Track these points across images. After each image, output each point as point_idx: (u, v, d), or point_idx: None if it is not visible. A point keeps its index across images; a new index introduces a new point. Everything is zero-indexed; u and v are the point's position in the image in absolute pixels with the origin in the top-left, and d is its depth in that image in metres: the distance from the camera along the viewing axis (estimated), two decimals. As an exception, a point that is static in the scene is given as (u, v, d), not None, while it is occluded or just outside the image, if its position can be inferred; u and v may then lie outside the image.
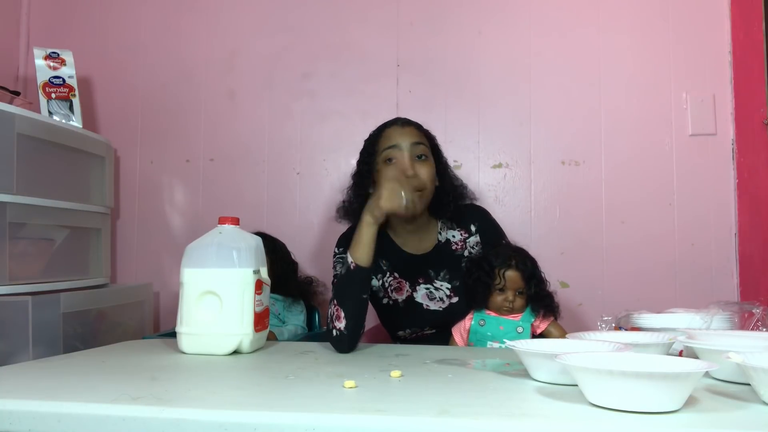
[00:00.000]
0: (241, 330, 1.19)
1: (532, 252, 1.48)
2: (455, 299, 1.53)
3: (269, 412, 0.73)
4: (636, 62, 2.07)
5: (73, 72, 1.99)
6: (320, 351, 1.26)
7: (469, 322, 1.44)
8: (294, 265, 1.96)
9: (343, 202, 1.57)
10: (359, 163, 1.55)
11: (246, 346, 1.20)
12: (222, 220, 1.27)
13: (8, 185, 1.59)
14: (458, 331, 1.45)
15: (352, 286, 1.31)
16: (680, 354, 1.10)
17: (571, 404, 0.77)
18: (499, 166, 2.09)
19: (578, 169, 2.06)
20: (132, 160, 2.23)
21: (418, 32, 2.15)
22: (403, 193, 1.29)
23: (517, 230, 1.69)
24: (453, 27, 2.14)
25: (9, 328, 1.51)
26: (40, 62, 1.95)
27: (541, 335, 1.42)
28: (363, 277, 1.31)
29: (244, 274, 1.20)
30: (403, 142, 1.46)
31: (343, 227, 1.61)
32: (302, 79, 2.19)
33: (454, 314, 1.49)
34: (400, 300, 1.54)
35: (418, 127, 1.53)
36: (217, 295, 1.20)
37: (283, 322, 1.84)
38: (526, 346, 0.96)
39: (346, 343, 1.28)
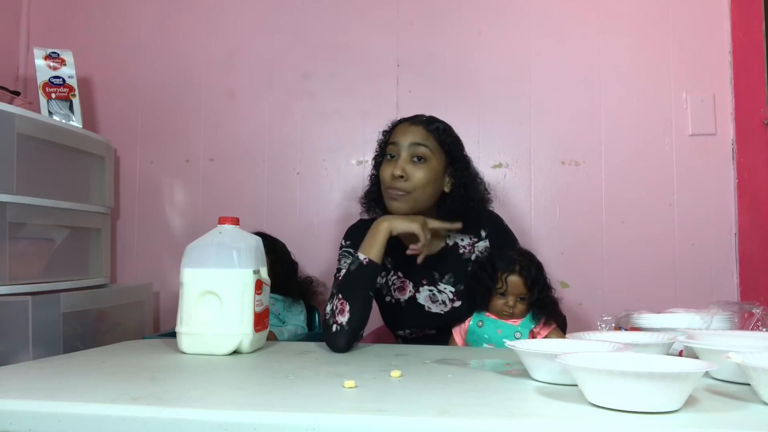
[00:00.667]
0: (241, 330, 1.19)
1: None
2: (458, 303, 1.51)
3: (269, 412, 0.73)
4: (636, 62, 2.07)
5: (73, 72, 1.99)
6: (320, 351, 1.26)
7: (468, 321, 1.43)
8: (294, 265, 1.96)
9: (366, 191, 1.58)
10: (376, 152, 1.56)
11: (246, 346, 1.20)
12: (222, 220, 1.27)
13: (8, 185, 1.59)
14: (458, 331, 1.45)
15: (361, 280, 1.32)
16: (680, 354, 1.10)
17: (571, 404, 0.77)
18: (499, 166, 2.09)
19: (578, 169, 2.06)
20: (132, 160, 2.23)
21: (418, 32, 2.15)
22: (422, 233, 1.37)
23: (517, 230, 1.69)
24: (453, 27, 2.14)
25: (9, 328, 1.51)
26: (40, 62, 1.95)
27: None
28: (373, 274, 1.33)
29: (244, 274, 1.20)
30: (404, 141, 1.44)
31: (351, 221, 1.61)
32: (302, 79, 2.19)
33: (455, 318, 1.47)
34: (402, 300, 1.53)
35: (427, 128, 1.46)
36: (217, 295, 1.20)
37: (283, 322, 1.84)
38: (526, 346, 0.96)
39: (344, 339, 1.26)
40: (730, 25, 2.02)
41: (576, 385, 0.79)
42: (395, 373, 0.95)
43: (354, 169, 2.14)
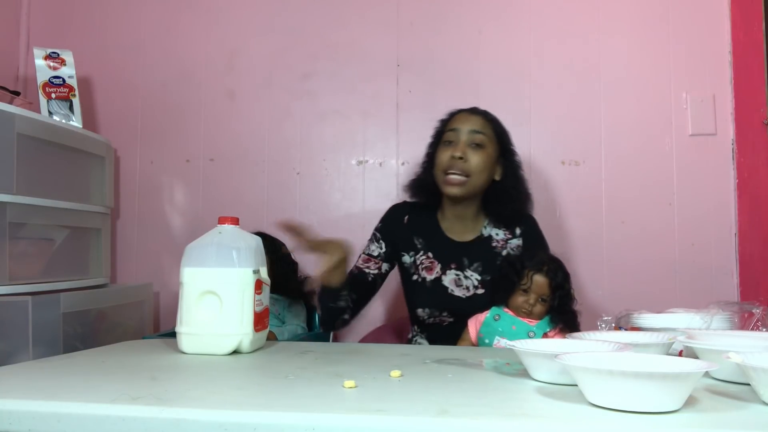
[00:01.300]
0: (241, 330, 1.19)
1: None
2: (481, 291, 1.57)
3: (269, 412, 0.73)
4: (636, 62, 2.07)
5: (73, 72, 1.99)
6: (320, 351, 1.26)
7: (485, 313, 1.44)
8: (294, 265, 1.96)
9: (417, 175, 1.67)
10: (431, 139, 1.66)
11: (246, 346, 1.20)
12: (222, 220, 1.27)
13: (8, 185, 1.59)
14: (473, 322, 1.46)
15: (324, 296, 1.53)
16: (680, 354, 1.10)
17: (571, 404, 0.77)
18: (499, 166, 2.09)
19: (578, 169, 2.06)
20: (132, 160, 2.23)
21: (418, 32, 2.15)
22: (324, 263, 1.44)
23: (517, 230, 1.72)
24: (453, 27, 2.14)
25: (9, 328, 1.51)
26: (40, 62, 1.95)
27: None
28: (330, 294, 1.51)
29: (244, 273, 1.20)
30: (463, 128, 1.56)
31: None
32: (302, 79, 2.19)
33: (475, 305, 1.51)
34: (428, 279, 1.59)
35: (486, 118, 1.59)
36: (217, 294, 1.20)
37: (283, 322, 1.84)
38: (526, 346, 0.96)
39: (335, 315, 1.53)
40: (730, 25, 2.03)
41: (576, 385, 0.79)
42: (395, 373, 0.95)
43: (354, 169, 2.15)
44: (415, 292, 1.62)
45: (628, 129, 2.05)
